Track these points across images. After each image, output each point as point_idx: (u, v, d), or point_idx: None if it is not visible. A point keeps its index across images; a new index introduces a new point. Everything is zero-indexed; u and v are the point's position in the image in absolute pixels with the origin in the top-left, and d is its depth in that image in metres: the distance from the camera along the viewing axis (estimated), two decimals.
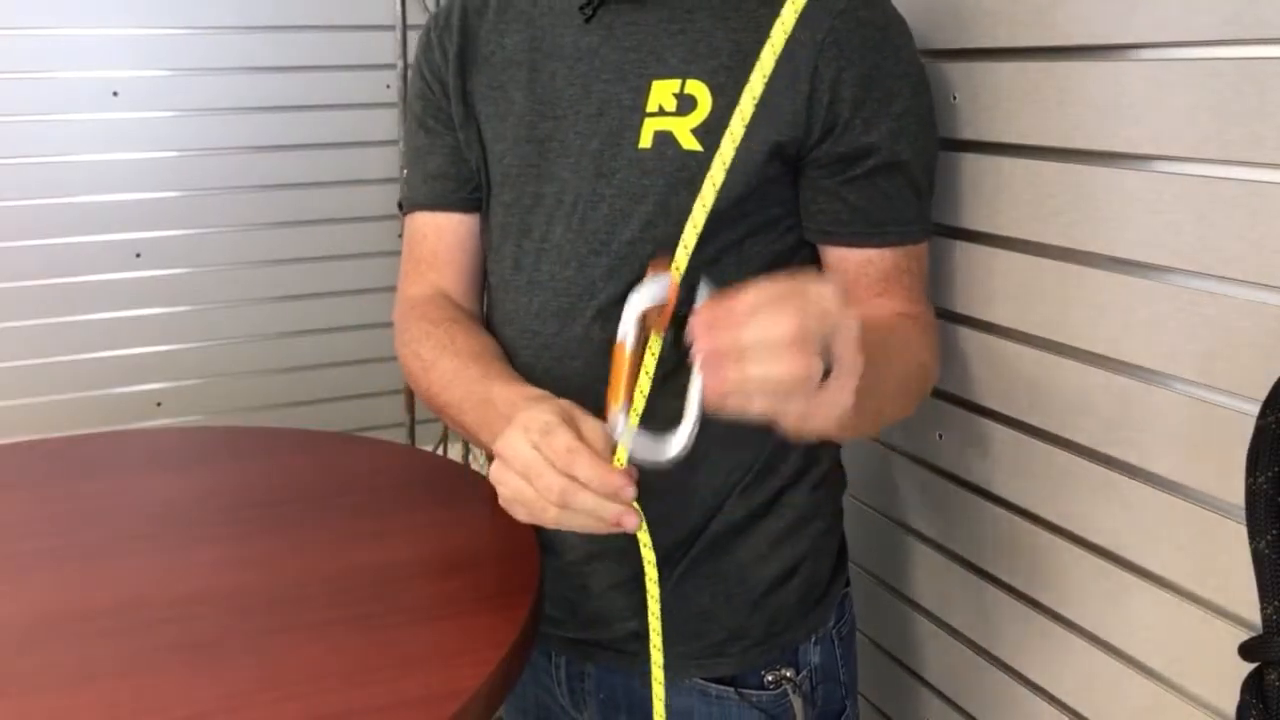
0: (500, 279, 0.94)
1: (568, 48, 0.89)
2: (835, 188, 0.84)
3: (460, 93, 0.94)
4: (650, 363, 0.66)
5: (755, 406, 0.56)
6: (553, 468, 0.68)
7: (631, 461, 0.67)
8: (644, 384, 0.66)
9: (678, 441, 0.64)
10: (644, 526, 0.71)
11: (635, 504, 0.69)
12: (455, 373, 0.87)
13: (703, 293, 0.60)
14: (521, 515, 0.72)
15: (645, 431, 0.66)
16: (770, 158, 0.82)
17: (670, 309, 0.63)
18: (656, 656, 0.76)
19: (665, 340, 0.65)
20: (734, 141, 0.60)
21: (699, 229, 0.62)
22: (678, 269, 0.63)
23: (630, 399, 0.65)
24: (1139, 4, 0.77)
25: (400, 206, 1.03)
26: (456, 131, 0.95)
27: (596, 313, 0.86)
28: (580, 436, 0.69)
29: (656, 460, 0.65)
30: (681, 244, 0.63)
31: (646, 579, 0.75)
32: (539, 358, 0.89)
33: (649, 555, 0.74)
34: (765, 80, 0.59)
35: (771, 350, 0.54)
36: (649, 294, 0.63)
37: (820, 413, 0.58)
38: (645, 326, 0.64)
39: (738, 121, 0.60)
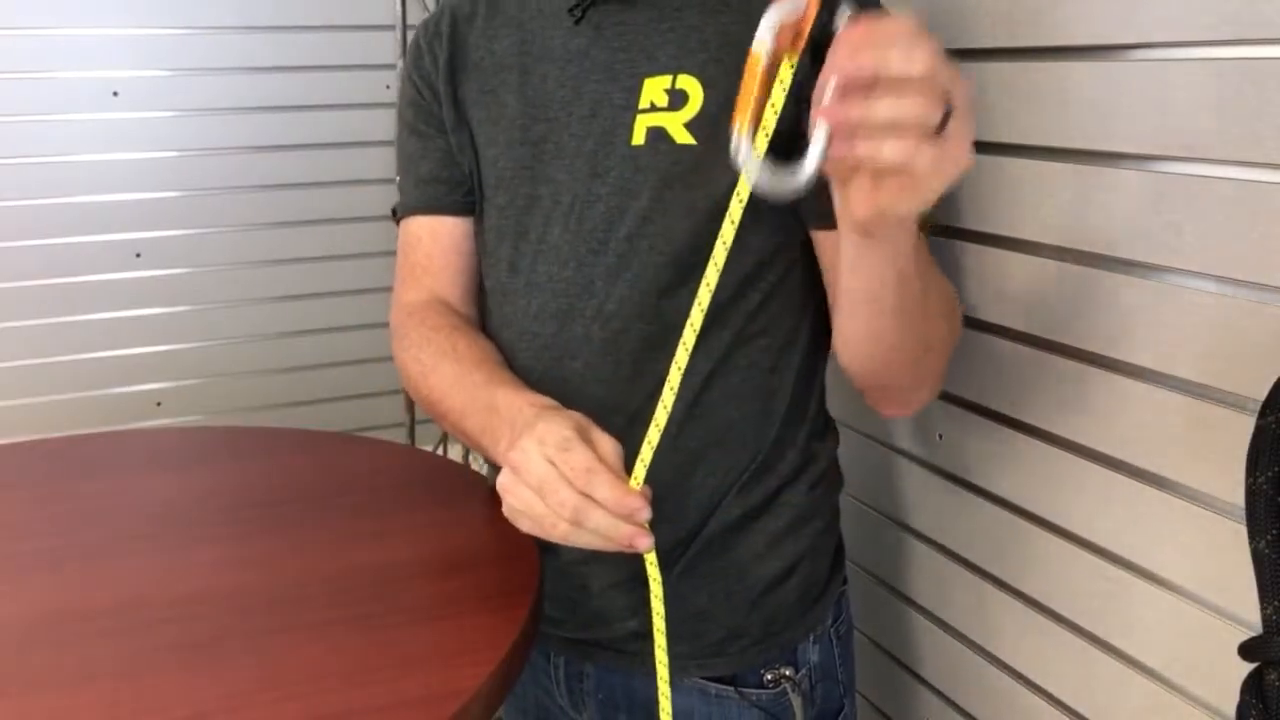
0: (496, 282, 0.94)
1: (557, 50, 0.89)
2: None
3: (452, 99, 0.94)
4: (779, 96, 0.58)
5: (883, 151, 0.54)
6: (569, 485, 0.68)
7: (755, 193, 0.60)
8: (769, 121, 0.58)
9: (804, 172, 0.57)
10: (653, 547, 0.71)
11: (647, 524, 0.69)
12: (457, 378, 0.87)
13: (843, 15, 0.56)
14: (526, 527, 0.72)
15: (765, 162, 0.58)
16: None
17: (808, 27, 0.57)
18: (662, 671, 0.76)
19: (800, 65, 0.58)
20: None
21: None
22: None
23: (757, 121, 0.58)
24: (1139, 4, 0.77)
25: (394, 214, 1.02)
26: (449, 136, 0.95)
27: (596, 312, 0.86)
28: (598, 455, 0.69)
29: (780, 192, 0.58)
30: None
31: (652, 596, 0.75)
32: (538, 359, 0.89)
33: (655, 574, 0.74)
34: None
35: (902, 88, 0.53)
36: (788, 6, 0.57)
37: (943, 167, 0.55)
38: (779, 45, 0.58)
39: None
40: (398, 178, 1.02)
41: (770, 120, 0.59)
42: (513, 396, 0.80)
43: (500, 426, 0.78)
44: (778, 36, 0.57)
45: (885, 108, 0.53)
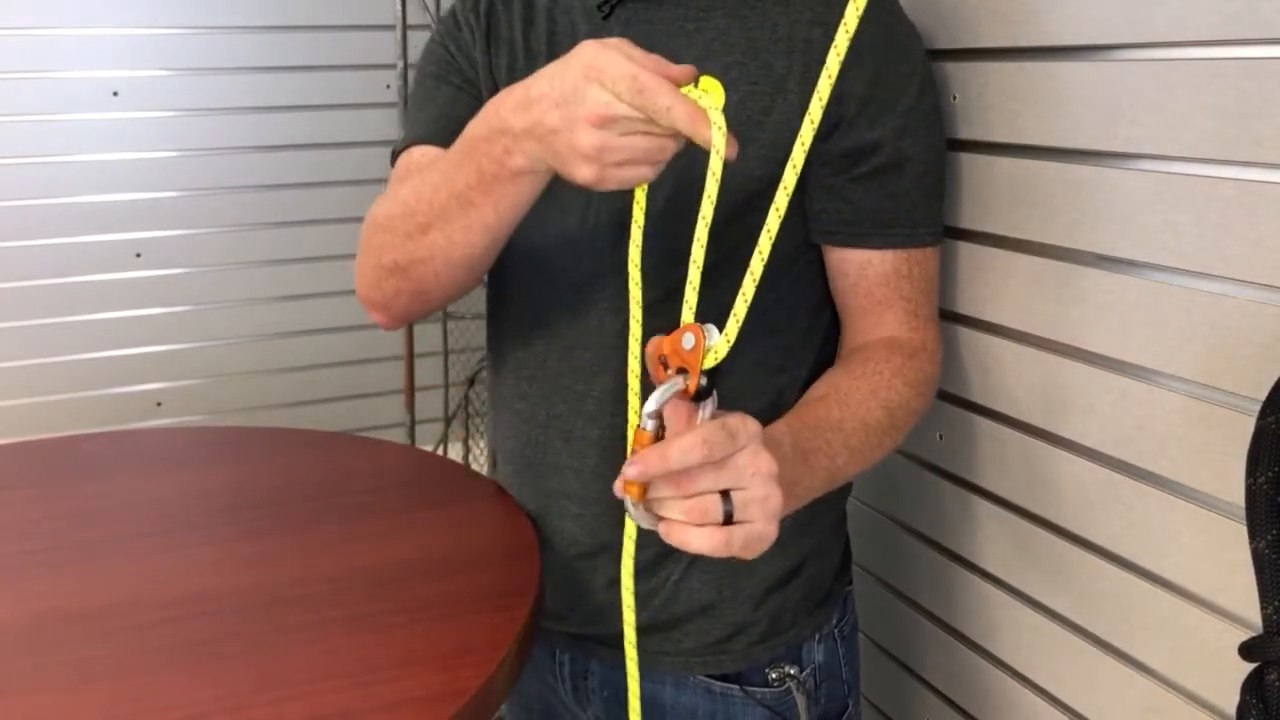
0: (513, 270, 0.94)
1: None
2: (840, 186, 0.84)
3: (488, 69, 0.93)
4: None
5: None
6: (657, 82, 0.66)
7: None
8: None
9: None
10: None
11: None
12: (423, 175, 0.82)
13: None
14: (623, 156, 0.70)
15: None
16: (784, 161, 0.82)
17: (692, 390, 0.63)
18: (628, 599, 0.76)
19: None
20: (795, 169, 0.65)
21: (749, 300, 0.65)
22: (715, 354, 0.64)
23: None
24: (1139, 4, 0.77)
25: (393, 156, 0.95)
26: (482, 98, 0.93)
27: (608, 305, 0.87)
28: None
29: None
30: (733, 315, 0.64)
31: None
32: (550, 348, 0.90)
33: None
34: (831, 81, 0.63)
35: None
36: (669, 389, 0.63)
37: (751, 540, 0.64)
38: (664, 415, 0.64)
39: (798, 150, 0.65)
40: (408, 124, 0.95)
41: None
42: (485, 107, 0.75)
43: (482, 124, 0.74)
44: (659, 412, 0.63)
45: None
